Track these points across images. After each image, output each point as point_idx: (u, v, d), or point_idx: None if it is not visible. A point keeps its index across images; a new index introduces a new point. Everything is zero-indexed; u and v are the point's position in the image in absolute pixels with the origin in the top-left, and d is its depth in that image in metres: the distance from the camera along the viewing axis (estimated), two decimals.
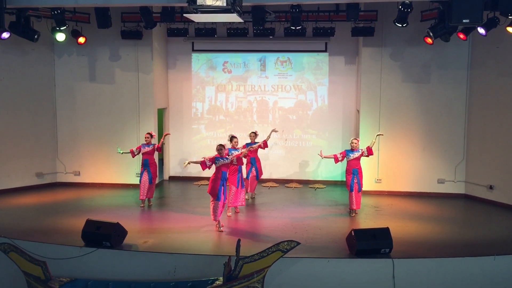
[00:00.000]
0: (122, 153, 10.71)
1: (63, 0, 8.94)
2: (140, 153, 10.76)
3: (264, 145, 11.21)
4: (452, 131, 11.76)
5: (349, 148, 10.16)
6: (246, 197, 11.42)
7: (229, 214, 10.04)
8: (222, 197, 9.02)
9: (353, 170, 10.01)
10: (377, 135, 10.44)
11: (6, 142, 11.97)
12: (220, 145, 9.19)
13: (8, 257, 7.45)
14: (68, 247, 7.82)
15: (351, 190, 10.03)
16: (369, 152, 10.02)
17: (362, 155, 10.03)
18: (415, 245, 8.29)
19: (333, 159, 10.12)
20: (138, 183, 10.90)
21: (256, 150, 11.17)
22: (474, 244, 8.38)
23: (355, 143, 10.04)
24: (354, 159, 10.01)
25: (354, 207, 10.11)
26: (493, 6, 7.95)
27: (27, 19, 10.51)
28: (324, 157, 10.12)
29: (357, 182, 10.01)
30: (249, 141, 11.27)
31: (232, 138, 10.36)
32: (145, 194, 10.70)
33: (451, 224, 9.69)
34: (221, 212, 9.14)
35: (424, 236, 8.81)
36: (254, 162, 11.26)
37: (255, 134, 11.30)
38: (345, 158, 10.05)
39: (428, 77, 11.78)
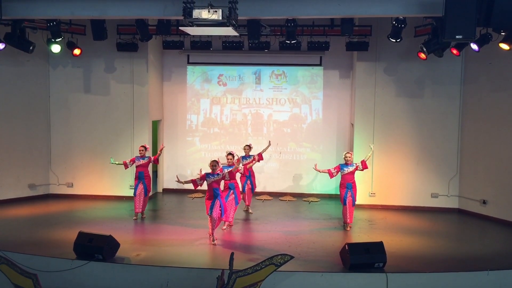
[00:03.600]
0: (117, 164, 10.65)
1: (59, 12, 8.95)
2: (134, 166, 10.72)
3: (259, 157, 11.22)
4: (445, 145, 11.82)
5: (343, 162, 10.15)
6: (244, 209, 11.42)
7: (224, 227, 9.99)
8: (215, 212, 8.97)
9: (347, 185, 9.97)
10: (371, 149, 10.45)
11: None
12: (214, 161, 9.15)
13: None
14: (59, 260, 7.74)
15: (344, 204, 10.01)
16: (364, 166, 10.00)
17: (356, 169, 10.01)
18: (409, 259, 8.27)
19: (327, 174, 10.08)
20: (132, 195, 10.84)
21: (251, 163, 11.13)
22: (468, 259, 8.38)
23: (349, 157, 10.03)
24: (348, 173, 9.98)
25: (347, 221, 10.10)
26: (486, 22, 8.04)
27: (23, 31, 10.55)
28: (317, 171, 10.08)
29: (351, 196, 9.99)
30: (243, 154, 11.28)
31: (227, 155, 10.09)
32: (140, 207, 10.64)
33: (445, 238, 9.69)
34: (217, 225, 9.12)
35: (418, 251, 8.80)
36: (249, 174, 11.25)
37: (249, 147, 11.32)
38: (340, 172, 10.04)
39: (422, 92, 11.87)
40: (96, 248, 7.71)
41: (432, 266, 7.91)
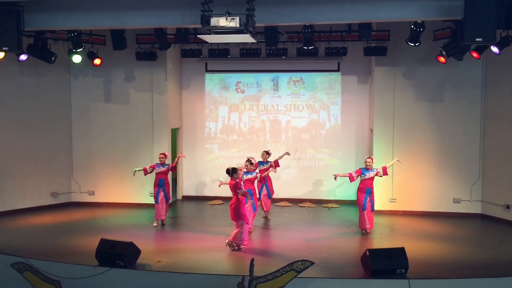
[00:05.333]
0: (138, 170, 10.75)
1: (80, 23, 9.10)
2: (154, 173, 10.82)
3: (276, 164, 11.21)
4: (467, 150, 11.66)
5: (363, 166, 10.11)
6: (263, 215, 11.42)
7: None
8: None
9: (367, 190, 9.93)
10: (397, 160, 10.39)
11: (23, 162, 12.12)
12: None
13: (23, 276, 7.53)
14: (82, 267, 7.83)
15: (363, 209, 9.95)
16: (384, 172, 9.97)
17: (377, 174, 9.97)
18: (431, 265, 8.16)
19: (348, 177, 10.04)
20: (152, 202, 10.93)
21: (267, 170, 11.14)
22: (492, 265, 8.23)
23: (369, 162, 9.98)
24: (369, 178, 9.94)
25: (367, 226, 10.02)
26: (506, 24, 7.94)
27: (45, 42, 10.79)
28: (338, 176, 10.01)
29: (370, 201, 9.94)
30: (261, 159, 11.31)
31: (246, 161, 10.31)
32: (163, 214, 10.71)
33: (468, 244, 9.54)
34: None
35: (440, 257, 8.68)
36: (265, 180, 11.23)
37: (267, 153, 11.32)
38: (360, 176, 9.98)
39: (442, 96, 11.74)
40: (118, 254, 7.78)
41: (455, 272, 7.80)
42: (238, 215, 8.92)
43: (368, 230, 10.12)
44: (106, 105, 12.85)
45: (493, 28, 7.50)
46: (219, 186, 9.88)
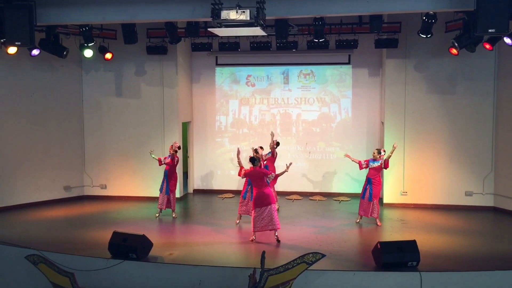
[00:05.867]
0: (153, 157, 10.88)
1: (91, 17, 9.16)
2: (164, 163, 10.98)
3: (273, 153, 11.28)
4: (479, 142, 11.56)
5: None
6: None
7: (237, 221, 10.34)
8: None
9: (368, 179, 10.24)
10: (393, 147, 10.32)
11: (36, 156, 12.25)
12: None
13: (37, 268, 7.64)
14: (95, 259, 7.93)
15: (361, 197, 10.32)
16: (385, 165, 10.16)
17: (380, 166, 10.17)
18: (443, 258, 8.14)
19: (357, 164, 10.35)
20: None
21: (270, 160, 11.23)
22: (504, 258, 8.19)
23: (375, 153, 10.21)
24: (373, 168, 10.20)
25: (361, 214, 10.34)
26: None
27: (57, 36, 10.88)
28: (347, 156, 10.38)
29: (368, 191, 10.16)
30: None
31: (253, 149, 10.60)
32: (164, 204, 10.82)
33: (480, 237, 9.49)
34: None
35: (452, 249, 8.65)
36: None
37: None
38: (368, 166, 10.25)
39: (454, 88, 11.65)
40: (130, 247, 7.86)
41: (467, 265, 7.78)
42: (268, 198, 9.01)
43: (378, 223, 10.23)
44: (117, 99, 12.92)
45: (506, 19, 7.44)
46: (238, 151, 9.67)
